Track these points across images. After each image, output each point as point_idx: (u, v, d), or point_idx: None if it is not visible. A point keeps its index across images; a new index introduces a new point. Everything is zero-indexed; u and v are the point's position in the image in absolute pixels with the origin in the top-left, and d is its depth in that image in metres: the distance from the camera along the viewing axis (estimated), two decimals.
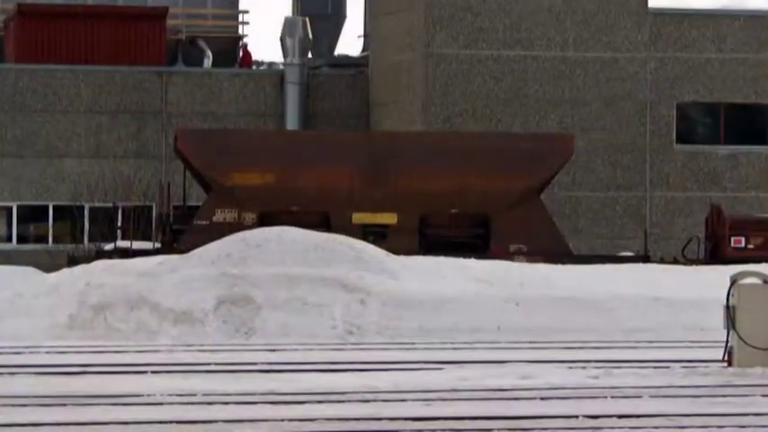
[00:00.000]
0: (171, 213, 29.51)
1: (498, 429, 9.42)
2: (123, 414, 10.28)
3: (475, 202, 28.57)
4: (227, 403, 11.46)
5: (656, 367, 15.94)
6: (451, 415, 10.31)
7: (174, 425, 9.52)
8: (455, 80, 34.09)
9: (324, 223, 27.76)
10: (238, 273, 22.55)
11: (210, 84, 36.48)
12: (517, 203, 28.74)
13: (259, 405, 11.36)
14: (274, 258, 23.05)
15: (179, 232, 28.79)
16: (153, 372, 14.98)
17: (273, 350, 19.14)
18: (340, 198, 28.26)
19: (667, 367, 15.76)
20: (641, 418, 10.13)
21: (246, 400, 11.81)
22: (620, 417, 10.20)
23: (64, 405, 11.03)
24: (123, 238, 30.96)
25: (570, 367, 15.83)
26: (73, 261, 28.02)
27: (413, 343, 20.70)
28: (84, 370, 15.06)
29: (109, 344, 19.99)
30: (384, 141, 30.83)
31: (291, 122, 35.79)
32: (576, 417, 10.17)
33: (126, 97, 35.59)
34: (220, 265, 22.73)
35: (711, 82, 35.15)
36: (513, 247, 28.61)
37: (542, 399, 11.92)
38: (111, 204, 32.93)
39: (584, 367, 15.72)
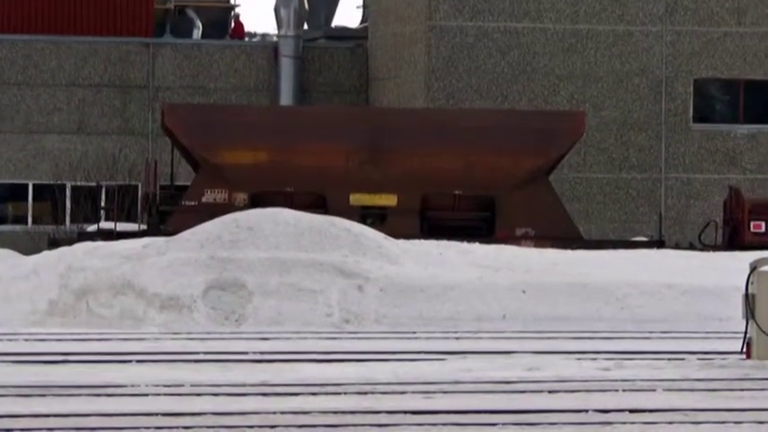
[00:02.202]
0: (158, 193, 29.47)
1: (503, 424, 9.40)
2: (106, 405, 10.27)
3: (480, 184, 28.54)
4: (216, 395, 11.45)
5: (670, 359, 15.93)
6: (454, 408, 10.30)
7: (160, 417, 9.50)
8: (459, 54, 34.02)
9: (320, 205, 27.76)
10: (229, 257, 22.55)
11: (200, 56, 36.39)
12: (524, 185, 28.71)
13: (250, 397, 11.35)
14: (267, 242, 23.03)
15: (166, 213, 28.79)
16: (138, 361, 14.97)
17: (265, 339, 19.14)
18: (337, 178, 28.23)
19: (682, 359, 15.75)
20: (654, 413, 10.11)
21: (237, 391, 11.79)
22: (631, 411, 10.18)
23: (43, 396, 11.00)
24: (107, 219, 30.95)
25: (579, 358, 15.83)
26: (54, 243, 28.03)
27: (413, 332, 20.72)
28: (65, 359, 15.06)
29: (91, 331, 19.98)
30: (384, 118, 30.78)
31: (286, 98, 35.73)
32: (586, 411, 10.15)
33: (110, 70, 35.51)
34: (210, 248, 22.71)
35: (730, 57, 35.07)
36: (519, 231, 28.60)
37: (550, 392, 11.92)
38: (94, 183, 32.89)
39: (594, 359, 15.71)
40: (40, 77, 35.20)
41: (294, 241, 23.06)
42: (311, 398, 11.35)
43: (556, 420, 9.69)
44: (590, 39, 34.42)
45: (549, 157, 29.26)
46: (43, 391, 11.35)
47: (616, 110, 34.51)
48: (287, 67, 36.00)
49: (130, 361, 15.01)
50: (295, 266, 22.39)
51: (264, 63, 36.46)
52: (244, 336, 19.93)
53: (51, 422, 9.11)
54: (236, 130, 28.39)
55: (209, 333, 20.18)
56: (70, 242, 26.64)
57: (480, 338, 19.88)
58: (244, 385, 12.29)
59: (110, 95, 35.47)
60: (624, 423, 9.52)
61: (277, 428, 9.10)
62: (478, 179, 28.45)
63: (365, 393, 11.73)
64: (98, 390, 11.59)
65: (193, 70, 35.95)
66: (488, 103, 33.63)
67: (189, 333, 20.03)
